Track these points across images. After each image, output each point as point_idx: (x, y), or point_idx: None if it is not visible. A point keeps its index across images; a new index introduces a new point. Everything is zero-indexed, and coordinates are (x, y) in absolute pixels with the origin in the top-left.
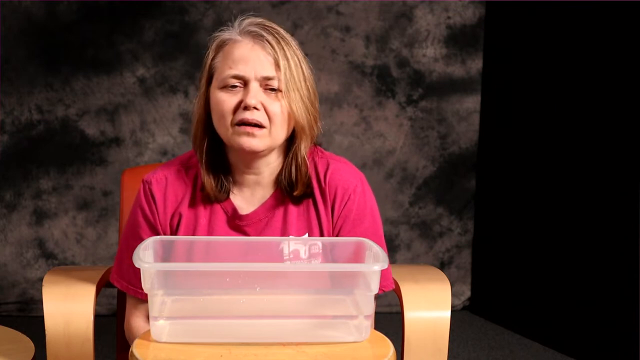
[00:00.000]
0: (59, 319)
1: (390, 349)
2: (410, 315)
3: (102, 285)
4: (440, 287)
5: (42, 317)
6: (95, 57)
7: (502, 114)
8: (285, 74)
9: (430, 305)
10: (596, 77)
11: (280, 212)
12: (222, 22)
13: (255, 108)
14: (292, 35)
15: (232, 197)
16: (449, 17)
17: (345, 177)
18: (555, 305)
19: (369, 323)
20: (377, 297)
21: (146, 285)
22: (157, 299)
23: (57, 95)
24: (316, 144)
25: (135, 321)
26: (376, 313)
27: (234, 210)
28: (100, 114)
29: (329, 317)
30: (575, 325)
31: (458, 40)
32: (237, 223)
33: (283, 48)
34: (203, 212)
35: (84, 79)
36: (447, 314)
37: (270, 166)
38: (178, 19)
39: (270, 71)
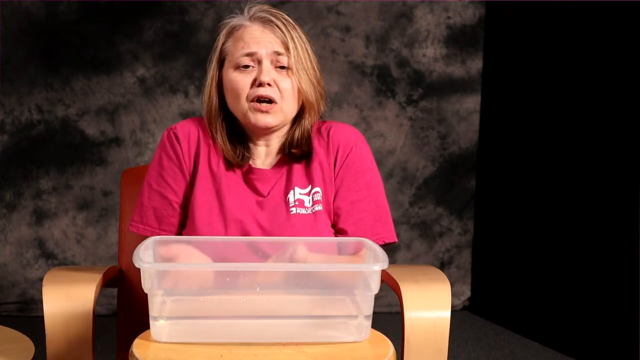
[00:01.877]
0: (59, 319)
1: (390, 349)
2: (410, 315)
3: (102, 285)
4: (440, 287)
5: (42, 317)
6: (95, 57)
7: (502, 114)
8: (293, 55)
9: (430, 305)
10: (596, 77)
11: (284, 170)
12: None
13: (268, 84)
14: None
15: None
16: (449, 17)
17: (347, 132)
18: (555, 305)
19: (369, 323)
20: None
21: (146, 285)
22: (157, 299)
23: (57, 95)
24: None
25: None
26: (376, 313)
27: (250, 166)
28: (100, 114)
29: (329, 317)
30: (575, 325)
31: (458, 40)
32: (250, 177)
33: (290, 32)
34: (218, 169)
35: (84, 79)
36: (447, 314)
37: (280, 138)
38: (178, 19)
39: (280, 48)
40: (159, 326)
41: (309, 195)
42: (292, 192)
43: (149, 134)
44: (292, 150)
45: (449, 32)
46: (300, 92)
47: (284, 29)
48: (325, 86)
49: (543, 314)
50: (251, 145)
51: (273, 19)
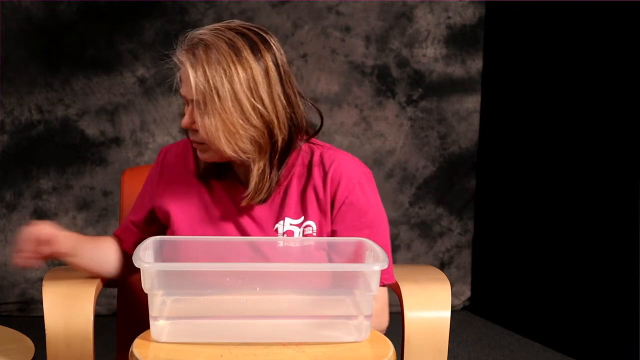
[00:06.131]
0: (59, 319)
1: (390, 349)
2: (410, 315)
3: (102, 285)
4: (440, 287)
5: (42, 317)
6: (95, 57)
7: (502, 114)
8: (196, 99)
9: (430, 305)
10: (596, 77)
11: (279, 194)
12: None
13: (191, 129)
14: (292, 34)
15: (230, 176)
16: (449, 17)
17: (352, 168)
18: (555, 306)
19: (369, 323)
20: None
21: (146, 285)
22: (157, 299)
23: (57, 95)
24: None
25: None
26: None
27: (232, 184)
28: (100, 114)
29: (329, 317)
30: (575, 325)
31: (458, 40)
32: (238, 197)
33: (206, 72)
34: (201, 188)
35: (84, 79)
36: (447, 314)
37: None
38: (178, 19)
39: (194, 94)
40: (159, 326)
41: (300, 227)
42: (281, 222)
43: (149, 134)
44: (255, 202)
45: (449, 32)
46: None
47: (189, 70)
48: (325, 86)
49: (543, 314)
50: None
51: (184, 57)
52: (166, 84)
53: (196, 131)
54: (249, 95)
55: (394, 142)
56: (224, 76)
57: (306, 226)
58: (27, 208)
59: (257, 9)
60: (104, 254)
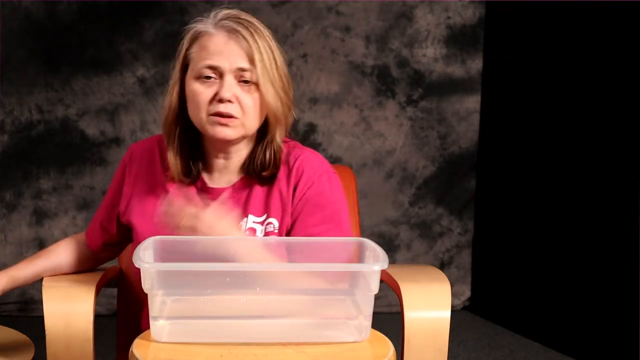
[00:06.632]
0: (59, 319)
1: (390, 349)
2: (410, 315)
3: (102, 285)
4: (440, 287)
5: (42, 317)
6: (95, 57)
7: (502, 114)
8: (259, 68)
9: (430, 305)
10: (596, 77)
11: (244, 193)
12: None
13: (229, 101)
14: (292, 32)
15: (197, 173)
16: (449, 17)
17: (315, 165)
18: (555, 306)
19: (369, 323)
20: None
21: (146, 285)
22: (157, 299)
23: (57, 95)
24: (291, 139)
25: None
26: (376, 313)
27: (204, 183)
28: (100, 114)
29: (329, 317)
30: (575, 325)
31: (458, 40)
32: (203, 195)
33: (257, 41)
34: (167, 186)
35: (84, 79)
36: (447, 314)
37: (240, 152)
38: (178, 19)
39: (244, 63)
40: (159, 326)
41: (262, 225)
42: (245, 219)
43: (149, 134)
44: (263, 174)
45: (449, 32)
46: (264, 106)
47: (250, 39)
48: (325, 86)
49: (543, 314)
50: (208, 158)
51: (239, 28)
52: (166, 84)
53: (232, 103)
54: (285, 69)
55: (394, 142)
56: (269, 49)
57: (268, 223)
58: (27, 208)
59: (257, 9)
60: (49, 268)
